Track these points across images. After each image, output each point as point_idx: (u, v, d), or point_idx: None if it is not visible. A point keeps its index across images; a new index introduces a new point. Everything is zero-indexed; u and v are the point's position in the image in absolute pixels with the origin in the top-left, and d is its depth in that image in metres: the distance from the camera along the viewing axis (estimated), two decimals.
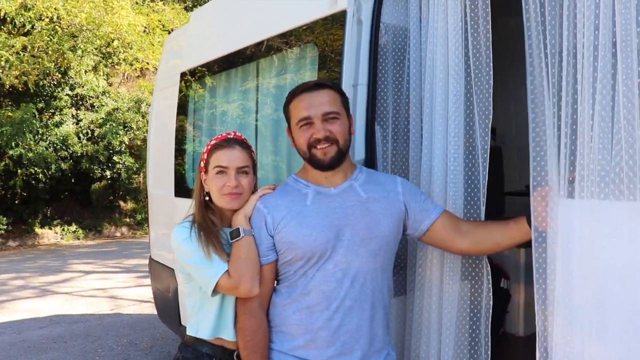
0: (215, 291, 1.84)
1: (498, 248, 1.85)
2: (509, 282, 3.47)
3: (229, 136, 1.99)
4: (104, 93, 13.90)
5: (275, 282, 1.90)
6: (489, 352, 1.94)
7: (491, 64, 1.94)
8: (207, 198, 1.97)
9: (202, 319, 1.95)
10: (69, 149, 12.97)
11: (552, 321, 1.58)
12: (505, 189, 3.69)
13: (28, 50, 10.56)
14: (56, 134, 12.81)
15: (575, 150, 1.55)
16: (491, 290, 1.95)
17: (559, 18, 1.62)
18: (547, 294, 1.64)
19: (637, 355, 1.39)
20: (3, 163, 11.81)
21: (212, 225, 1.92)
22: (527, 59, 1.69)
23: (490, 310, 1.94)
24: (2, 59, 10.03)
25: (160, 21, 12.00)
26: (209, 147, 1.98)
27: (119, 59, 11.81)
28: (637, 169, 1.39)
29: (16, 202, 12.86)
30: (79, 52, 11.39)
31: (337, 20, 2.33)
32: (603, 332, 1.45)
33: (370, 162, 2.19)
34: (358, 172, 1.92)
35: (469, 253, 1.92)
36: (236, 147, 1.95)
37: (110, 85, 14.72)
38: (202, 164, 1.99)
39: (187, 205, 2.09)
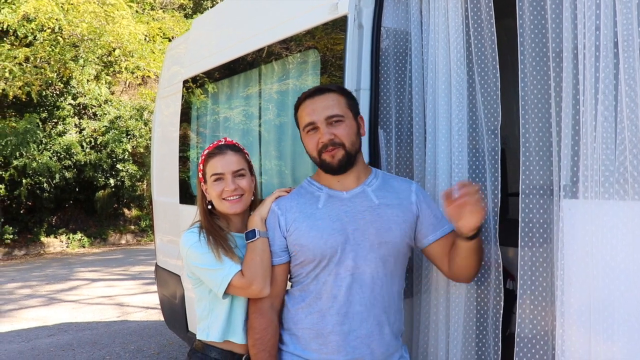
0: (226, 293, 1.86)
1: (461, 268, 1.84)
2: (514, 283, 3.47)
3: (219, 143, 2.03)
4: (106, 101, 13.94)
5: (290, 284, 1.92)
6: (499, 353, 1.94)
7: (497, 66, 1.95)
8: (209, 207, 2.00)
9: (213, 322, 1.96)
10: (73, 157, 13.00)
11: (558, 321, 1.58)
12: (509, 190, 3.69)
13: (30, 61, 10.61)
14: (59, 144, 12.85)
15: (578, 150, 1.56)
16: (502, 291, 1.95)
17: (559, 19, 1.63)
18: (552, 294, 1.65)
19: None
20: (8, 173, 11.84)
21: (219, 230, 1.95)
22: (519, 62, 1.70)
23: (501, 312, 1.94)
24: (6, 70, 10.08)
25: (160, 29, 12.03)
26: (203, 157, 2.02)
27: (121, 68, 11.83)
28: None
29: (21, 211, 12.90)
30: (81, 61, 11.43)
31: (338, 26, 2.34)
32: (609, 330, 1.46)
33: (374, 166, 2.19)
34: (373, 177, 1.92)
35: (451, 278, 1.94)
36: (228, 152, 1.98)
37: (112, 93, 14.77)
38: (200, 175, 2.03)
39: (192, 212, 2.11)
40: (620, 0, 1.44)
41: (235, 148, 2.02)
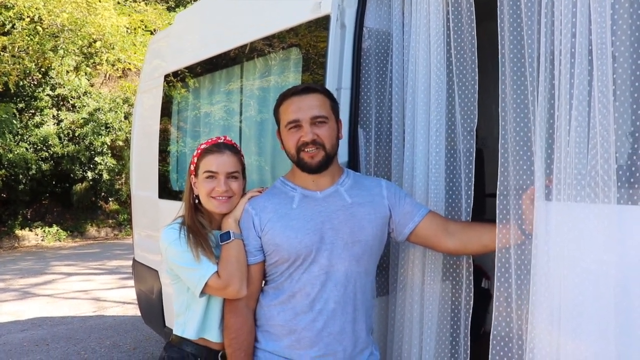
0: (203, 292, 1.86)
1: (486, 250, 1.86)
2: (490, 282, 3.52)
3: (219, 141, 2.01)
4: (85, 93, 13.75)
5: (263, 282, 1.93)
6: (469, 352, 1.98)
7: (476, 68, 1.97)
8: (196, 201, 1.99)
9: (189, 319, 1.97)
10: (50, 149, 12.81)
11: (529, 321, 1.62)
12: (487, 190, 3.74)
13: (8, 50, 10.41)
14: (37, 135, 12.64)
15: (552, 154, 1.59)
16: (472, 291, 1.98)
17: (537, 24, 1.66)
18: (525, 294, 1.68)
19: (611, 353, 1.44)
20: None
21: (201, 228, 1.94)
22: (499, 65, 1.73)
23: (471, 310, 1.98)
24: None
25: (142, 21, 11.90)
26: (200, 151, 1.99)
27: (101, 60, 11.68)
28: (612, 172, 1.44)
29: None
30: (61, 52, 11.26)
31: (321, 25, 2.35)
32: (578, 329, 1.49)
33: (353, 165, 2.21)
34: (345, 176, 1.94)
35: (456, 253, 1.96)
36: (226, 152, 1.96)
37: (92, 85, 14.57)
38: (192, 167, 2.01)
39: (170, 207, 2.11)
40: (595, 10, 1.47)
41: (233, 149, 2.00)
